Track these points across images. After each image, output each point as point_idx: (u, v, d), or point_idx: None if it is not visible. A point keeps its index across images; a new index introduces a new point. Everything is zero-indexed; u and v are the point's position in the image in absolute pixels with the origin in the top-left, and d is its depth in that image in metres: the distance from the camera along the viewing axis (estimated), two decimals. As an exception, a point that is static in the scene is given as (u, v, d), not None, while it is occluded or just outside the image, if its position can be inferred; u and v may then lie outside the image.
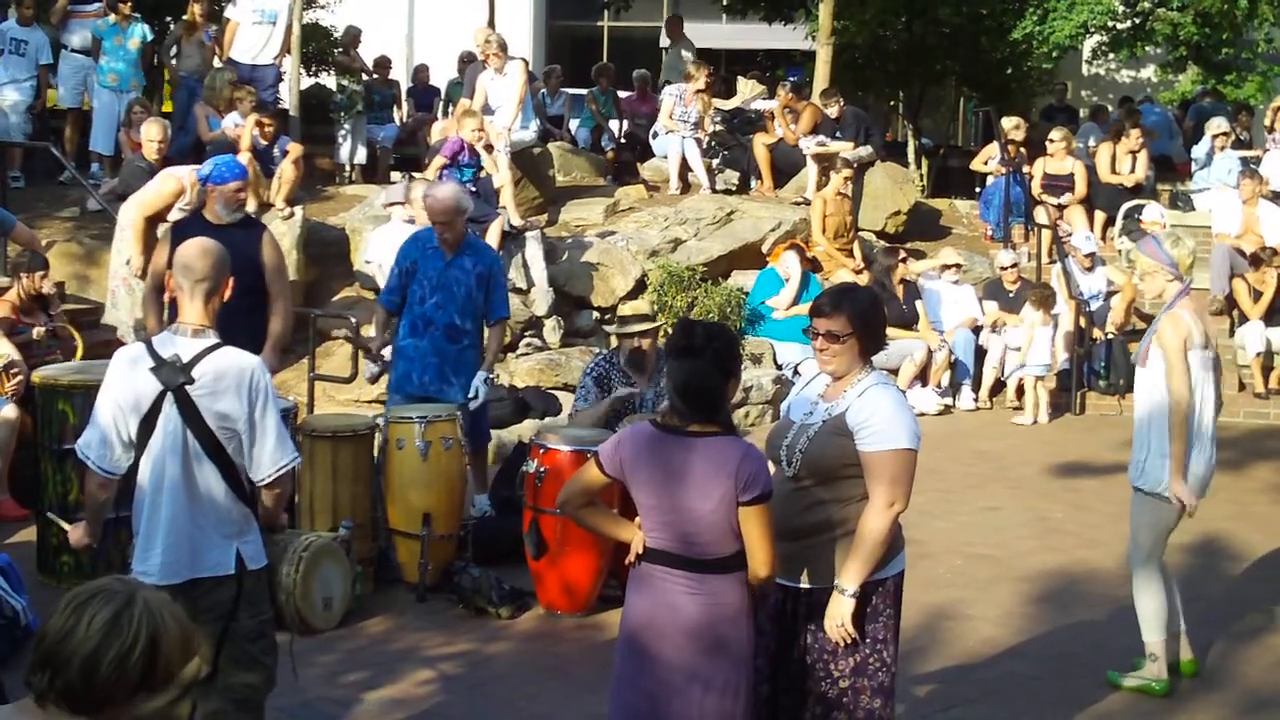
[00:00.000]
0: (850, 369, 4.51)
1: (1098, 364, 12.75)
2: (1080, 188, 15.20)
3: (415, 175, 13.51)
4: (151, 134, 11.40)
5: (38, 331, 9.52)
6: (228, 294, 4.71)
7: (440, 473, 7.51)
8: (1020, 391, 12.69)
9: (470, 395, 8.15)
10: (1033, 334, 12.45)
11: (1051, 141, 15.38)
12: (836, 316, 4.48)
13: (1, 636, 6.26)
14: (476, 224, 10.23)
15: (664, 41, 20.94)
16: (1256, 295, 13.03)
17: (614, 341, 8.34)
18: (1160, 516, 6.27)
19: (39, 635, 2.62)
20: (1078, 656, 6.80)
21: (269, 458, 4.55)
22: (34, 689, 2.60)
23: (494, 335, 8.45)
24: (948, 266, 13.52)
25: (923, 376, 12.65)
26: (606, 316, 12.45)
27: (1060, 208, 15.06)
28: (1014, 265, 13.44)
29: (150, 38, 14.26)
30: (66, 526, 5.25)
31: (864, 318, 4.50)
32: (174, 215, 10.15)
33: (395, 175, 15.23)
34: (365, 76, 16.19)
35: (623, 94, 18.01)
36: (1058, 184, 15.27)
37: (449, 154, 12.03)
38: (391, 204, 12.10)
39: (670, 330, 6.16)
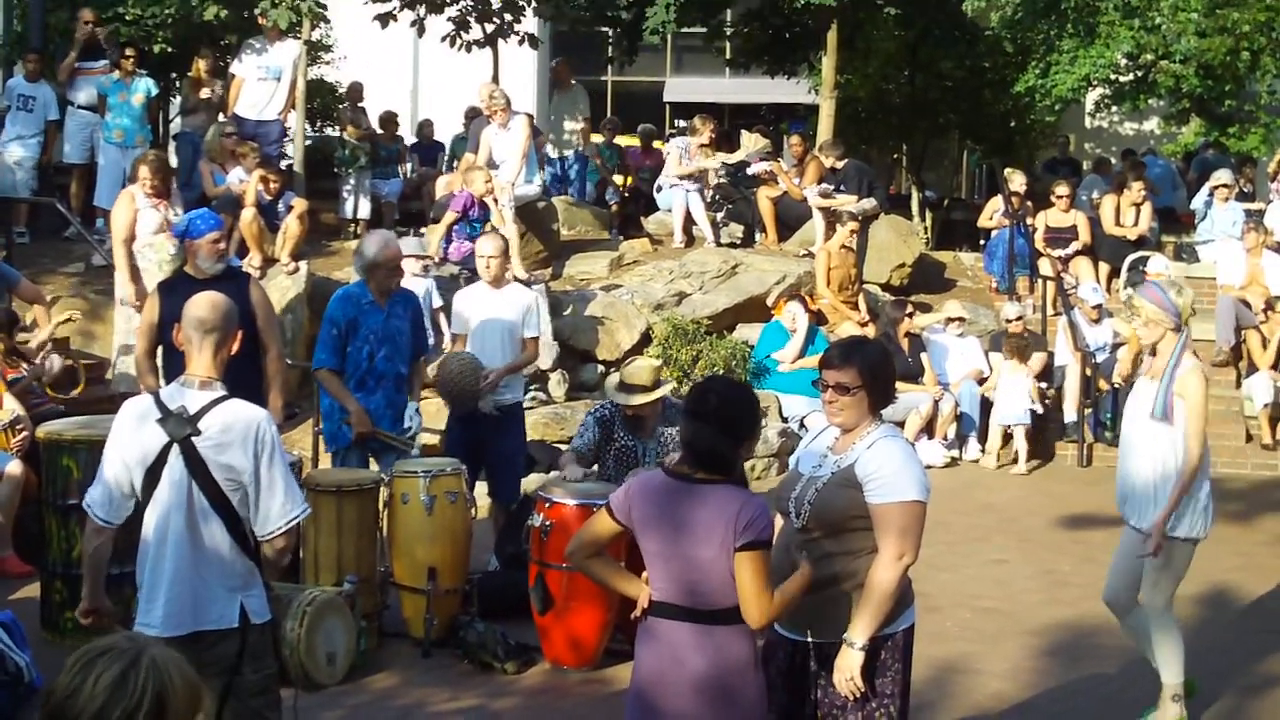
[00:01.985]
0: (859, 421, 4.51)
1: (1104, 415, 12.71)
2: (1084, 238, 15.24)
3: (422, 230, 13.53)
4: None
5: (48, 365, 9.63)
6: (236, 346, 4.71)
7: (445, 527, 7.48)
8: (1005, 440, 12.65)
9: (405, 428, 8.19)
10: (1004, 382, 12.46)
11: (1058, 197, 15.43)
12: (846, 369, 4.49)
13: (5, 693, 6.22)
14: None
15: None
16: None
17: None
18: (1186, 560, 6.34)
19: (46, 693, 2.61)
20: (1087, 710, 6.75)
21: (278, 510, 4.54)
22: None
23: (421, 369, 8.57)
24: (951, 319, 13.52)
25: (929, 429, 12.62)
26: (612, 370, 12.43)
27: (1064, 260, 15.09)
28: (1019, 317, 13.44)
29: (155, 93, 14.32)
30: None
31: (874, 371, 4.52)
32: (140, 204, 10.39)
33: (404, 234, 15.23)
34: (354, 128, 15.90)
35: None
36: (1060, 236, 15.31)
37: (459, 208, 12.06)
38: (404, 257, 12.08)
39: (683, 390, 6.17)
